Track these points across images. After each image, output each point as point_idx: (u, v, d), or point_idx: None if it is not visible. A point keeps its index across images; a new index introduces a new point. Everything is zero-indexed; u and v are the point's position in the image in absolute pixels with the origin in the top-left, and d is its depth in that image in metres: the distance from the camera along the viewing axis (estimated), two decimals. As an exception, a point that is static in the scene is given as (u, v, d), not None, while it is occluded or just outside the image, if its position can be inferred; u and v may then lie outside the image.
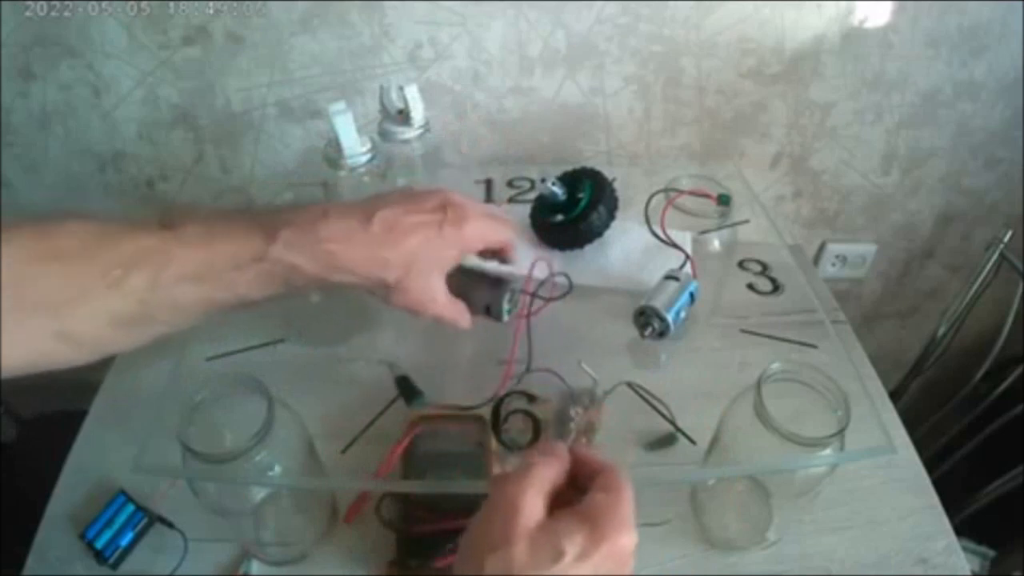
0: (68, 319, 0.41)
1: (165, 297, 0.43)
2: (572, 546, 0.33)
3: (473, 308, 0.59)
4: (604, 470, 0.38)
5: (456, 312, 0.55)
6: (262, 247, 0.46)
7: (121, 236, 0.43)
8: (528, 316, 0.68)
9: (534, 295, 0.68)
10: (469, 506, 0.60)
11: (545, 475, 0.37)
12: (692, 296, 0.71)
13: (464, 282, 0.58)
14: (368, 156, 0.73)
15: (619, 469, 0.38)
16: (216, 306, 0.46)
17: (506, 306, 0.61)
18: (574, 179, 0.78)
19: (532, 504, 0.35)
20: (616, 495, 0.37)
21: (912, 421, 0.85)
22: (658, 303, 0.70)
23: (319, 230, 0.47)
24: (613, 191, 0.77)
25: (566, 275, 0.71)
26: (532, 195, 0.86)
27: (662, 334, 0.72)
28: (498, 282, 0.61)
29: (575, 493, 0.38)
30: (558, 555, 0.33)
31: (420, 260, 0.50)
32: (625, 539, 0.36)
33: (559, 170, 0.79)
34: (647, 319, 0.71)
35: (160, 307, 0.44)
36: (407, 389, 0.72)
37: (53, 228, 0.42)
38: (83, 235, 0.42)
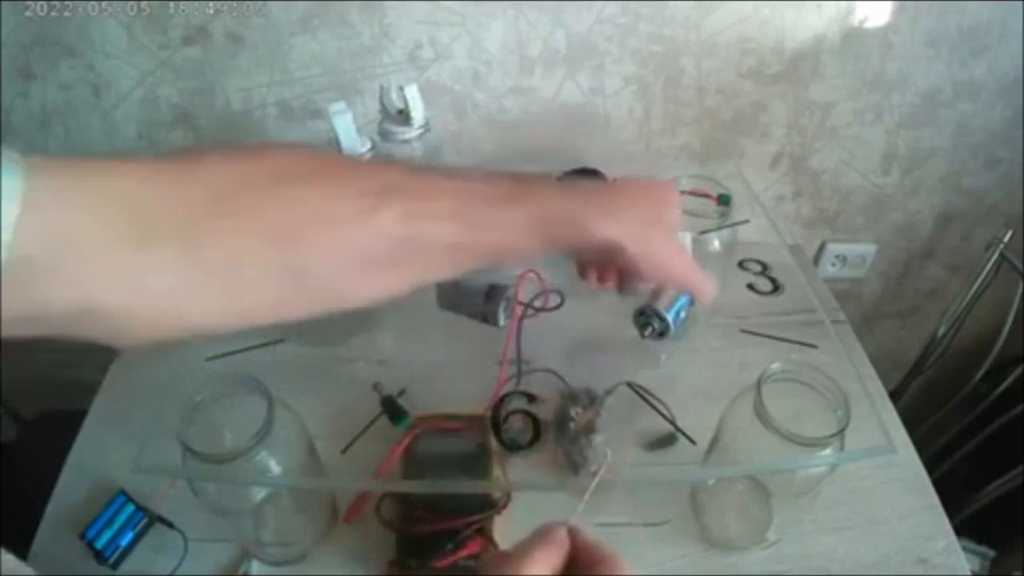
0: (307, 250, 0.34)
1: (416, 236, 0.37)
2: None
3: (470, 315, 0.59)
4: (605, 562, 0.35)
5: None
6: (522, 189, 0.41)
7: (359, 168, 0.39)
8: (520, 319, 0.68)
9: (527, 306, 0.69)
10: (469, 506, 0.60)
11: (545, 562, 0.34)
12: (692, 296, 0.71)
13: (460, 290, 0.58)
14: (368, 156, 0.73)
15: (621, 563, 0.36)
16: (469, 255, 0.40)
17: (502, 315, 0.61)
18: (574, 179, 0.78)
19: None
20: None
21: (912, 421, 0.85)
22: (658, 303, 0.70)
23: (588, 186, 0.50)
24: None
25: (559, 291, 0.71)
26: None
27: (662, 334, 0.72)
28: (493, 290, 0.61)
29: None
30: None
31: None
32: None
33: (559, 170, 0.79)
34: (647, 319, 0.71)
35: (410, 249, 0.37)
36: (392, 409, 0.72)
37: (267, 153, 0.35)
38: (313, 162, 0.36)
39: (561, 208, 0.43)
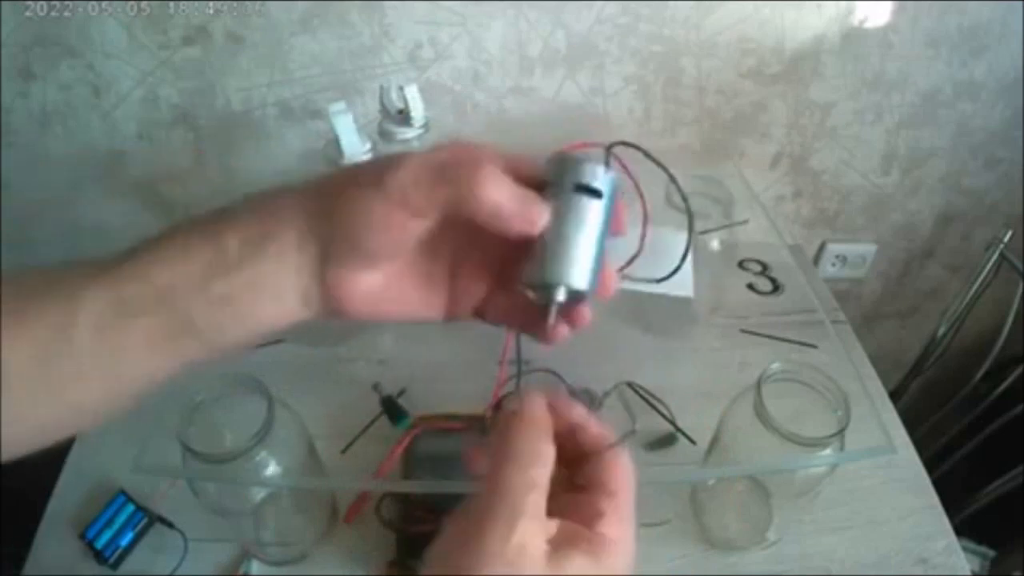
0: None
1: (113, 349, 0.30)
2: None
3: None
4: (606, 461, 0.33)
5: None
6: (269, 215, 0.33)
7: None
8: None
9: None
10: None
11: (540, 495, 0.29)
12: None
13: None
14: (368, 156, 0.73)
15: (623, 459, 0.33)
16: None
17: None
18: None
19: (539, 552, 0.28)
20: (625, 511, 0.32)
21: (912, 421, 0.85)
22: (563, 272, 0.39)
23: None
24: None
25: None
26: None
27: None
28: None
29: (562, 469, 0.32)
30: None
31: None
32: (628, 570, 0.32)
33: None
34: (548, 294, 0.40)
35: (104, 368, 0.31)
36: (392, 409, 0.72)
37: None
38: None
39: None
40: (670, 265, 0.76)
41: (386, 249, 0.31)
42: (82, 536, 0.64)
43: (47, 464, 0.71)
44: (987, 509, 1.04)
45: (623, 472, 0.33)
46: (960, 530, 0.70)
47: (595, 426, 0.34)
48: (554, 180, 0.32)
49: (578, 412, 0.35)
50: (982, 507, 1.04)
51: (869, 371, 0.84)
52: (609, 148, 0.34)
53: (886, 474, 0.72)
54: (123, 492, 0.67)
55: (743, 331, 0.85)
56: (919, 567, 0.66)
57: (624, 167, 0.35)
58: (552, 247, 0.31)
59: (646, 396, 0.74)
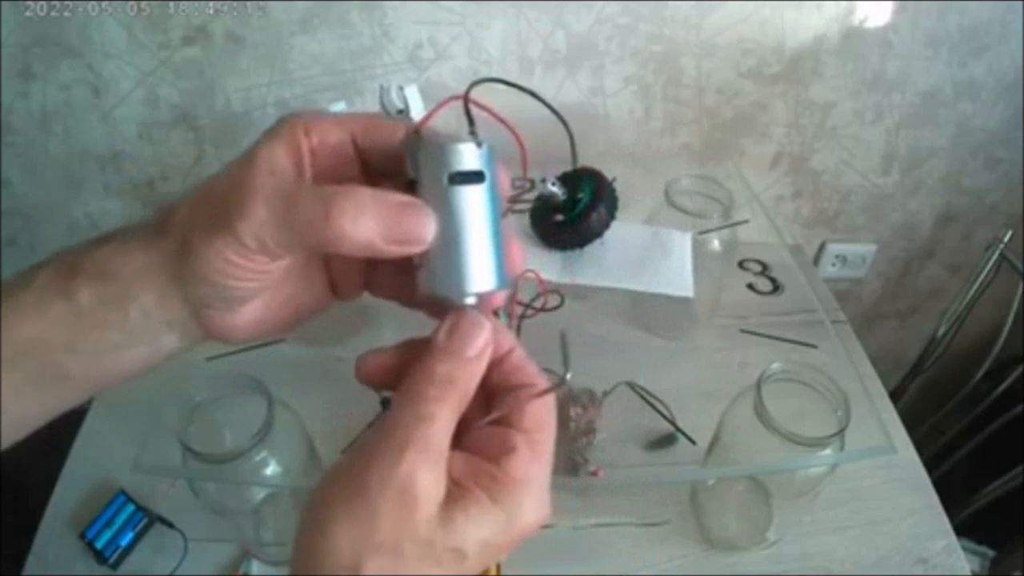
0: None
1: None
2: (480, 546, 0.25)
3: None
4: (529, 397, 0.28)
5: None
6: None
7: None
8: (520, 319, 0.68)
9: (527, 306, 0.68)
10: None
11: (446, 431, 0.26)
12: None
13: None
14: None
15: (548, 400, 0.29)
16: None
17: (502, 315, 0.61)
18: (574, 179, 0.78)
19: (433, 488, 0.25)
20: (540, 451, 0.28)
21: (912, 421, 0.85)
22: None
23: None
24: (613, 191, 0.77)
25: (558, 291, 0.71)
26: (532, 195, 0.86)
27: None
28: None
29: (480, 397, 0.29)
30: (461, 558, 0.25)
31: None
32: (538, 519, 0.27)
33: (559, 170, 0.79)
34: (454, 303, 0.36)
35: None
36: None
37: None
38: None
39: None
40: (670, 265, 0.77)
41: (253, 290, 0.28)
42: (82, 536, 0.64)
43: (47, 464, 0.71)
44: (987, 509, 1.04)
45: (545, 413, 0.29)
46: (960, 530, 0.70)
47: (527, 363, 0.30)
48: (423, 173, 0.27)
49: (510, 343, 0.30)
50: (982, 507, 1.04)
51: (869, 371, 0.84)
52: (467, 97, 0.30)
53: (886, 474, 0.72)
54: (123, 492, 0.67)
55: (743, 331, 0.86)
56: (919, 567, 0.66)
57: (486, 108, 0.31)
58: (445, 255, 0.27)
59: (646, 396, 0.74)
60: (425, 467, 0.25)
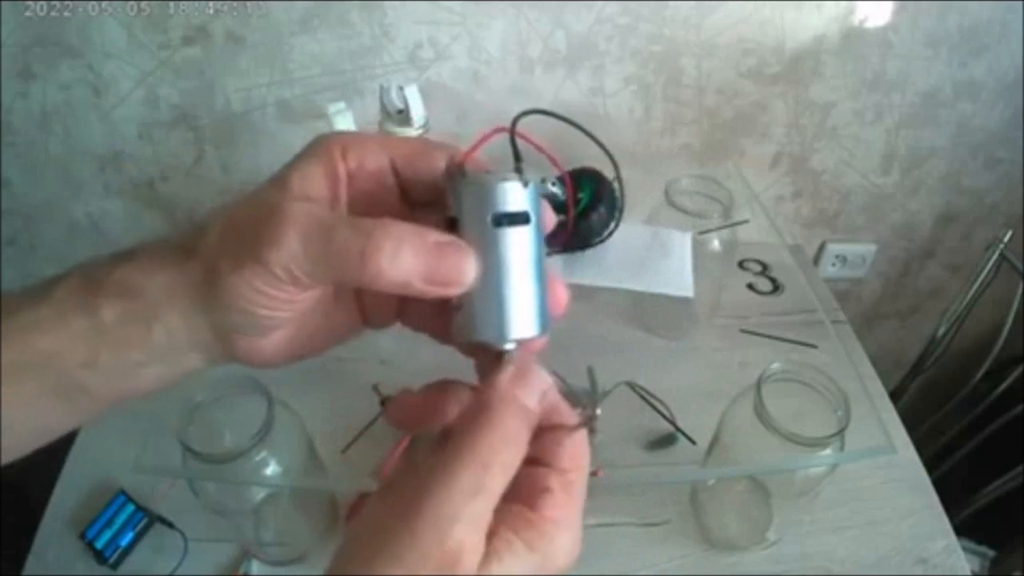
0: None
1: None
2: None
3: None
4: (563, 436, 0.28)
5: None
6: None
7: None
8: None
9: None
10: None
11: (497, 499, 0.25)
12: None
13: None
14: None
15: (580, 437, 0.28)
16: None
17: None
18: (574, 179, 0.78)
19: (476, 553, 0.24)
20: (575, 491, 0.28)
21: (912, 421, 0.85)
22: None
23: None
24: (613, 191, 0.77)
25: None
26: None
27: None
28: None
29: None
30: None
31: None
32: (572, 558, 0.27)
33: (558, 170, 0.79)
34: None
35: None
36: None
37: None
38: None
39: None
40: (670, 265, 0.77)
41: (282, 320, 0.27)
42: (82, 536, 0.64)
43: (47, 464, 0.71)
44: (987, 509, 1.04)
45: (580, 451, 0.28)
46: (960, 530, 0.70)
47: (560, 401, 0.30)
48: (465, 211, 0.26)
49: (547, 383, 0.29)
50: (982, 507, 1.04)
51: (869, 371, 0.84)
52: (514, 129, 0.28)
53: (886, 474, 0.72)
54: (123, 492, 0.67)
55: (743, 331, 0.86)
56: (919, 567, 0.66)
57: (526, 139, 0.30)
58: (486, 298, 0.25)
59: (646, 396, 0.74)
60: (473, 537, 0.24)
